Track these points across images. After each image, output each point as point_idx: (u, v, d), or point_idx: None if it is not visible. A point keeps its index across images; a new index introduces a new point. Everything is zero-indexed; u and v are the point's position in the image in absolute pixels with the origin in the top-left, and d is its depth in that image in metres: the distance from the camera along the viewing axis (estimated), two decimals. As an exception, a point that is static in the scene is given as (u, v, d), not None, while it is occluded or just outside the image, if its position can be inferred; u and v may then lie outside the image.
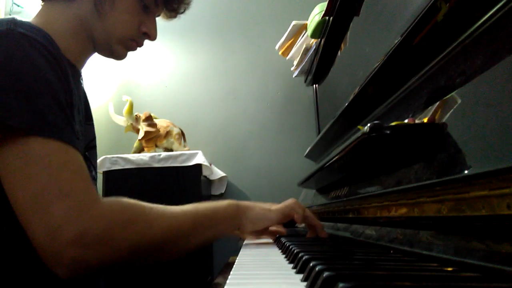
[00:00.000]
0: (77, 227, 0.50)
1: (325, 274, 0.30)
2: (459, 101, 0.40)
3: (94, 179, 0.79)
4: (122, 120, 1.76)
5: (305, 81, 1.71)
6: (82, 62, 0.77)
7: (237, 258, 0.56)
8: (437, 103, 0.45)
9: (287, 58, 1.79)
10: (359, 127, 0.77)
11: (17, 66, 0.54)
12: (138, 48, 0.79)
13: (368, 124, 0.47)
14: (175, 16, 0.81)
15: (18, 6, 2.11)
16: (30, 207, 0.51)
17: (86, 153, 0.77)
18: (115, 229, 0.53)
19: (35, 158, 0.52)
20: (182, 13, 0.81)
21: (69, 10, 0.70)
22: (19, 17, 0.60)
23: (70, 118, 0.59)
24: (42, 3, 0.72)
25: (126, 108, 1.72)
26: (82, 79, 0.79)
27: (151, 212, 0.59)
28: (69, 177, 0.53)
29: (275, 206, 0.75)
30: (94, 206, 0.53)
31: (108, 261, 0.53)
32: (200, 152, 1.62)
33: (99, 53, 0.77)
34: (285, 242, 0.64)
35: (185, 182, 1.59)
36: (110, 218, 0.53)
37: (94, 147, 0.82)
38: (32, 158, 0.51)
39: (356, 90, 0.74)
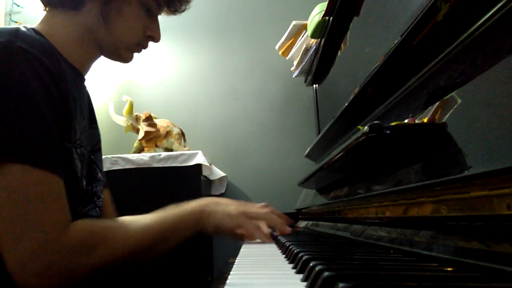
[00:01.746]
0: (44, 261, 0.54)
1: (325, 274, 0.30)
2: (459, 101, 0.40)
3: (100, 180, 0.80)
4: (122, 120, 1.76)
5: (305, 81, 1.70)
6: (88, 67, 0.77)
7: (237, 258, 0.56)
8: (437, 103, 0.45)
9: (287, 58, 1.79)
10: (359, 127, 0.77)
11: (7, 86, 0.54)
12: None
13: (368, 124, 0.47)
14: (175, 14, 0.82)
15: (18, 6, 2.10)
16: (5, 236, 0.53)
17: (92, 156, 0.78)
18: (78, 260, 0.57)
19: (15, 188, 0.53)
20: (183, 11, 0.82)
21: (75, 18, 0.70)
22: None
23: (57, 141, 0.59)
24: (46, 9, 0.72)
25: (126, 108, 1.72)
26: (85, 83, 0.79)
27: (116, 233, 0.63)
28: (44, 209, 0.55)
29: (234, 210, 0.77)
30: (61, 238, 0.56)
31: (72, 284, 0.57)
32: (200, 152, 1.61)
33: (106, 57, 0.78)
34: (285, 242, 0.64)
35: (185, 182, 1.59)
36: (74, 250, 0.57)
37: (99, 149, 0.83)
38: (12, 187, 0.53)
39: (356, 90, 0.74)
